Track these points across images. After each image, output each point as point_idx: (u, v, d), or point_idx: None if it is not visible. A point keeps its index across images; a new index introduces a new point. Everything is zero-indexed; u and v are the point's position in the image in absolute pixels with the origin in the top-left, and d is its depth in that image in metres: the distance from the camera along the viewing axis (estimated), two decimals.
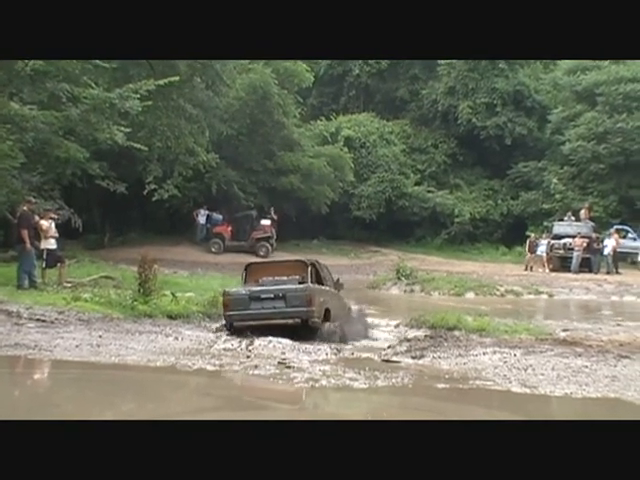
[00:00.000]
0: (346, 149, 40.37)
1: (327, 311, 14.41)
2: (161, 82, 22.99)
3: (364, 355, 12.47)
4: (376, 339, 14.70)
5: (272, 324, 13.50)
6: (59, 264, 19.40)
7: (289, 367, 10.49)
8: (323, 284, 15.03)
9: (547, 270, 33.00)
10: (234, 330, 13.83)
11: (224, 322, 14.26)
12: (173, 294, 17.15)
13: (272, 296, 13.88)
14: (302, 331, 13.61)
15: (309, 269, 14.81)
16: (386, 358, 12.00)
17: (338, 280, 16.34)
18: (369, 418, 8.59)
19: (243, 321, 13.79)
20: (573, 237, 33.26)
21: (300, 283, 14.37)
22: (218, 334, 13.79)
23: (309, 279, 14.54)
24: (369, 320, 16.21)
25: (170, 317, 15.54)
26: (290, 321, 13.66)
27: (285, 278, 14.76)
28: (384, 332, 15.54)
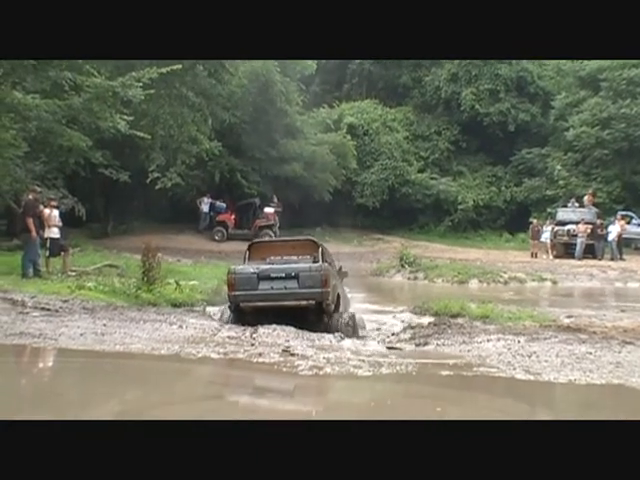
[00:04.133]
0: (349, 136, 40.35)
1: (338, 297, 13.69)
2: (164, 70, 22.90)
3: (368, 342, 12.47)
4: (376, 330, 14.25)
5: (282, 306, 12.70)
6: (63, 253, 19.44)
7: (293, 355, 10.48)
8: None
9: (551, 257, 32.95)
10: (239, 311, 13.13)
11: (228, 304, 13.45)
12: (177, 282, 17.15)
13: (283, 275, 12.86)
14: (313, 316, 12.89)
15: (320, 249, 13.89)
16: (390, 345, 12.01)
17: (341, 268, 15.50)
18: (373, 405, 8.62)
19: (250, 302, 12.95)
20: (577, 223, 33.18)
21: (313, 263, 13.40)
22: (219, 323, 13.45)
23: (321, 259, 13.60)
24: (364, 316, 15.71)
25: (174, 305, 15.54)
26: (303, 303, 12.76)
27: (296, 257, 13.82)
28: (388, 319, 15.50)
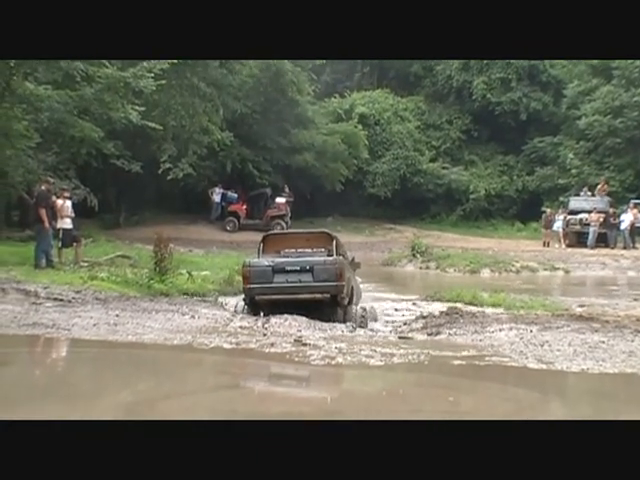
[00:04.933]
0: (360, 126, 40.29)
1: (352, 290, 13.69)
2: (175, 61, 22.95)
3: (380, 332, 12.47)
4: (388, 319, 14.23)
5: (297, 299, 12.70)
6: (75, 243, 19.51)
7: (305, 345, 10.48)
8: None
9: (563, 246, 32.86)
10: (254, 304, 13.10)
11: (243, 296, 13.43)
12: (189, 273, 17.21)
13: (298, 268, 12.86)
14: (327, 308, 12.89)
15: (334, 241, 13.85)
16: (402, 335, 12.00)
17: (353, 259, 15.33)
18: (384, 394, 8.62)
19: (265, 295, 12.93)
20: (589, 212, 33.04)
21: (328, 256, 13.39)
22: (231, 313, 13.46)
23: (335, 252, 13.57)
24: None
25: (186, 295, 15.59)
26: (318, 296, 12.77)
27: (310, 250, 13.79)
28: (399, 309, 15.49)
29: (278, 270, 12.94)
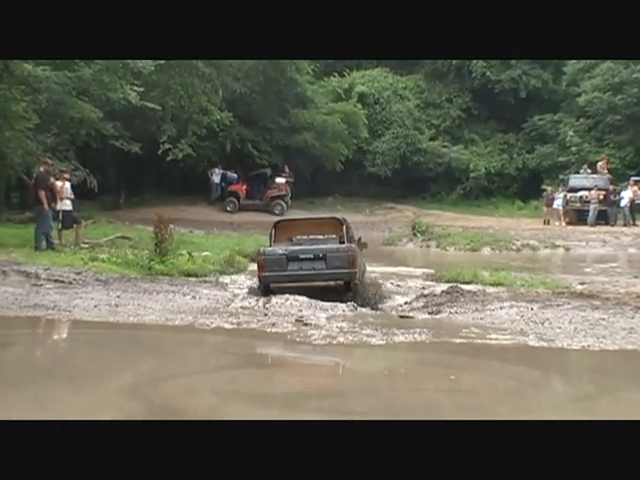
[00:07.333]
0: (360, 105, 40.23)
1: (362, 274, 13.92)
2: None
3: (381, 311, 12.49)
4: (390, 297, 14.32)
5: (311, 286, 12.92)
6: (75, 225, 19.50)
7: (306, 324, 10.50)
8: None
9: (563, 223, 32.84)
10: (269, 292, 13.19)
11: (258, 283, 13.65)
12: (189, 253, 17.21)
13: (311, 256, 13.14)
14: (341, 294, 12.98)
15: (344, 227, 14.11)
16: (403, 314, 12.02)
17: (360, 239, 15.28)
18: (386, 373, 8.64)
19: (280, 283, 13.17)
20: (589, 190, 33.02)
21: (340, 243, 13.66)
22: (232, 294, 13.53)
23: (347, 238, 13.86)
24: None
25: (187, 276, 15.60)
26: (332, 283, 13.14)
27: (322, 237, 13.95)
28: (401, 288, 15.50)
29: (292, 258, 13.18)
